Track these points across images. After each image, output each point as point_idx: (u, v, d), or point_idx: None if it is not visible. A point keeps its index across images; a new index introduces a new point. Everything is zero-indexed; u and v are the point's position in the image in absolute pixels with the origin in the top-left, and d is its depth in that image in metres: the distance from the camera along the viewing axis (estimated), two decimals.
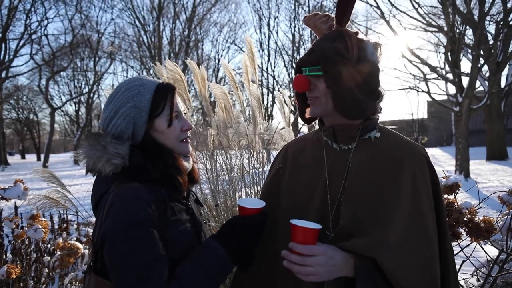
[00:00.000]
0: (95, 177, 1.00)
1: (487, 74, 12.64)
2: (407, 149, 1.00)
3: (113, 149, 0.91)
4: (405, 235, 0.87)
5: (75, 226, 3.26)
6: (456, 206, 1.01)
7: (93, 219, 3.44)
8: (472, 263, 1.47)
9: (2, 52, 22.01)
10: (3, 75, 21.74)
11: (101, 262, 0.92)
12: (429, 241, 0.90)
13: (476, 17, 10.57)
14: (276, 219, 1.05)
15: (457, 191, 1.13)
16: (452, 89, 12.91)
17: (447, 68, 13.18)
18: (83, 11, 24.82)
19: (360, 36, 1.01)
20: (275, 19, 27.35)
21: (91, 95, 26.94)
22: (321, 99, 0.99)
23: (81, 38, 24.95)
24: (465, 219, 1.01)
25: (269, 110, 21.64)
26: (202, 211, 1.40)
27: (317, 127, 1.15)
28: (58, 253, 2.36)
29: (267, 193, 1.14)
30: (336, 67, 0.96)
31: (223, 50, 28.60)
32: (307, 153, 1.10)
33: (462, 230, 1.08)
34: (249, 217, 0.95)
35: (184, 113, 1.06)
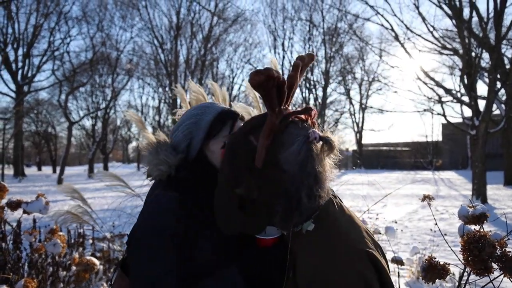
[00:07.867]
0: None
1: (504, 98, 12.44)
2: (330, 258, 0.79)
3: (164, 156, 0.98)
4: None
5: (91, 241, 3.28)
6: (489, 239, 0.98)
7: (108, 234, 3.47)
8: None
9: (26, 68, 22.97)
10: (25, 89, 22.53)
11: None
12: None
13: (492, 41, 10.51)
14: None
15: (485, 221, 1.10)
16: (467, 112, 12.74)
17: (463, 90, 13.05)
18: (104, 30, 25.83)
19: (302, 116, 0.86)
20: (289, 39, 27.73)
21: (108, 110, 27.57)
22: None
23: (101, 55, 25.76)
24: (498, 252, 0.97)
25: None
26: None
27: None
28: (74, 268, 2.38)
29: None
30: (220, 174, 0.91)
31: (237, 69, 29.05)
32: None
33: (494, 265, 1.04)
34: (265, 250, 0.94)
35: None
